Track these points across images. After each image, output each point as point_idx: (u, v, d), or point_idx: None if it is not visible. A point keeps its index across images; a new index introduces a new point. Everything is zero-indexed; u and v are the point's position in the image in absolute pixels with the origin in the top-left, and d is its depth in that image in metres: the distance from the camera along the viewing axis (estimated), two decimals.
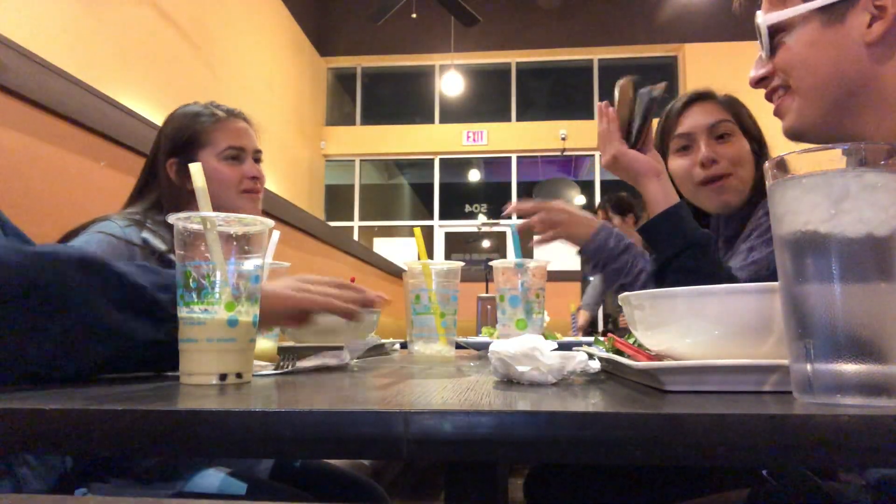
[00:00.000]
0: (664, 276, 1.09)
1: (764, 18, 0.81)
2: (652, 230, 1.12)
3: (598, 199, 9.92)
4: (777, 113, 0.87)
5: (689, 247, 1.06)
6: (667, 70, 9.96)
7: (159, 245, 1.16)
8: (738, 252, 1.25)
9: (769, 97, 0.87)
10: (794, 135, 0.85)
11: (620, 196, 3.76)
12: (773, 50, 0.83)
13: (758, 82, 0.87)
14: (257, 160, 1.37)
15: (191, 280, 0.64)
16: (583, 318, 3.84)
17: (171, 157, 1.29)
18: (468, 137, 10.08)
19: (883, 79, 0.76)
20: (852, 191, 0.46)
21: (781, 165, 0.49)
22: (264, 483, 1.11)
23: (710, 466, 1.11)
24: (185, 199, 1.28)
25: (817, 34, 0.78)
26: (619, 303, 0.73)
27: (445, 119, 10.36)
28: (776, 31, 0.82)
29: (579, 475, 1.27)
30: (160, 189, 1.29)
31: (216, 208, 1.29)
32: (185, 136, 1.30)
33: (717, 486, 1.07)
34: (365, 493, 1.28)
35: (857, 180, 0.46)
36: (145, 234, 1.16)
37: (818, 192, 0.47)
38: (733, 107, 1.32)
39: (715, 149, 1.28)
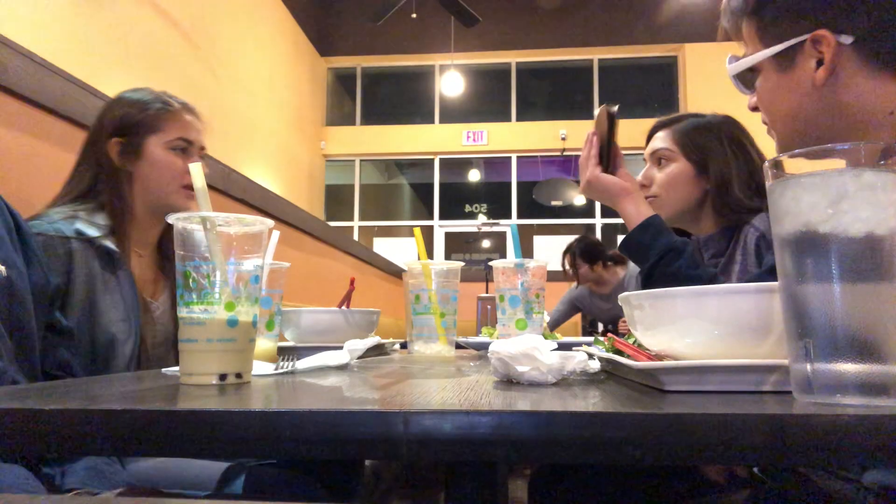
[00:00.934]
0: (651, 285, 1.15)
1: (729, 69, 0.90)
2: (630, 245, 1.19)
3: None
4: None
5: (666, 253, 1.12)
6: (667, 70, 9.95)
7: (92, 232, 1.16)
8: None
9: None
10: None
11: (588, 241, 3.55)
12: (750, 90, 0.91)
13: (753, 109, 0.95)
14: (201, 157, 1.35)
15: (191, 280, 0.64)
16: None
17: (116, 136, 1.27)
18: (468, 137, 10.07)
19: (846, 109, 0.80)
20: (850, 191, 0.46)
21: (780, 166, 0.49)
22: (260, 471, 1.10)
23: (709, 467, 1.11)
24: (123, 181, 1.26)
25: (775, 79, 0.85)
26: (620, 303, 0.73)
27: (445, 119, 10.36)
28: (746, 76, 0.90)
29: (582, 475, 1.27)
30: (97, 170, 1.26)
31: (151, 197, 1.31)
32: (134, 119, 1.27)
33: (717, 486, 1.07)
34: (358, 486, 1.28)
35: (856, 180, 0.46)
36: (78, 225, 1.16)
37: (817, 192, 0.47)
38: (683, 134, 1.42)
39: (651, 173, 1.45)
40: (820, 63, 0.80)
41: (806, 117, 0.84)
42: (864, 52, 0.77)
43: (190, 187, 1.29)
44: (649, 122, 1.52)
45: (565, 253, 3.58)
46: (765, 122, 0.94)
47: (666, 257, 1.12)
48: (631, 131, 1.54)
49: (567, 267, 3.58)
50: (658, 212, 1.40)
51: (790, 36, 0.81)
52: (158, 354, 1.29)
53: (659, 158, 1.43)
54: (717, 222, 1.37)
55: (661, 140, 1.44)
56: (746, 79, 0.90)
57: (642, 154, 1.50)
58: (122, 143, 1.27)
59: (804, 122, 0.85)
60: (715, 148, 1.38)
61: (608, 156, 1.22)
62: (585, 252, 3.47)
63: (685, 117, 1.45)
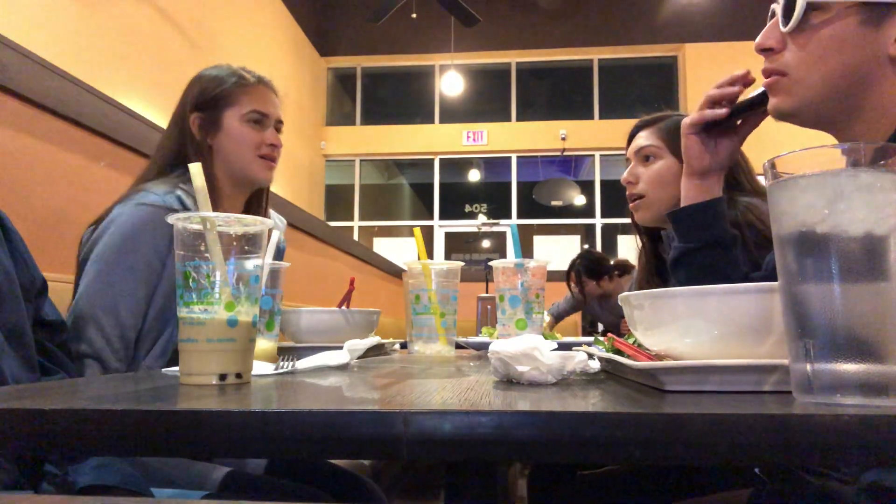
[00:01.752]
0: (680, 266, 1.08)
1: None
2: (682, 219, 1.09)
3: (598, 200, 9.90)
4: (768, 87, 0.86)
5: (713, 244, 1.04)
6: (667, 70, 9.95)
7: (190, 202, 1.19)
8: None
9: (766, 71, 0.86)
10: (781, 116, 0.85)
11: (592, 256, 3.42)
12: (798, 26, 0.79)
13: (763, 50, 0.85)
14: (278, 130, 1.40)
15: (190, 280, 0.64)
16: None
17: (196, 111, 1.33)
18: (468, 137, 10.07)
19: (890, 93, 0.75)
20: (847, 191, 0.46)
21: (779, 165, 0.49)
22: (260, 479, 1.11)
23: (710, 466, 1.11)
24: (206, 154, 1.31)
25: (850, 31, 0.76)
26: (620, 303, 0.73)
27: (445, 119, 10.35)
28: (811, 8, 0.78)
29: (581, 474, 1.27)
30: (184, 141, 1.32)
31: (231, 169, 1.33)
32: (212, 93, 1.33)
33: (717, 486, 1.07)
34: (361, 492, 1.28)
35: (853, 180, 0.46)
36: (179, 193, 1.19)
37: (814, 192, 0.47)
38: (669, 130, 1.38)
39: (637, 171, 1.40)
40: None
41: (849, 85, 0.76)
42: None
43: (268, 157, 1.35)
44: None
45: (569, 271, 3.44)
46: (772, 70, 0.83)
47: (712, 248, 1.04)
48: (629, 131, 1.52)
49: (573, 286, 3.43)
50: (646, 211, 1.38)
51: None
52: None
53: (646, 156, 1.41)
54: None
55: (646, 138, 1.42)
56: (803, 11, 0.77)
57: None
58: (202, 117, 1.32)
59: (843, 88, 0.77)
60: None
61: (725, 122, 1.02)
62: (590, 269, 3.36)
63: (668, 116, 1.43)
